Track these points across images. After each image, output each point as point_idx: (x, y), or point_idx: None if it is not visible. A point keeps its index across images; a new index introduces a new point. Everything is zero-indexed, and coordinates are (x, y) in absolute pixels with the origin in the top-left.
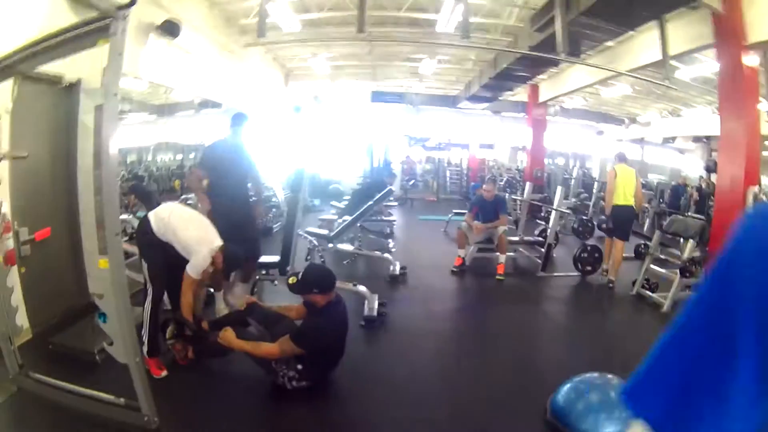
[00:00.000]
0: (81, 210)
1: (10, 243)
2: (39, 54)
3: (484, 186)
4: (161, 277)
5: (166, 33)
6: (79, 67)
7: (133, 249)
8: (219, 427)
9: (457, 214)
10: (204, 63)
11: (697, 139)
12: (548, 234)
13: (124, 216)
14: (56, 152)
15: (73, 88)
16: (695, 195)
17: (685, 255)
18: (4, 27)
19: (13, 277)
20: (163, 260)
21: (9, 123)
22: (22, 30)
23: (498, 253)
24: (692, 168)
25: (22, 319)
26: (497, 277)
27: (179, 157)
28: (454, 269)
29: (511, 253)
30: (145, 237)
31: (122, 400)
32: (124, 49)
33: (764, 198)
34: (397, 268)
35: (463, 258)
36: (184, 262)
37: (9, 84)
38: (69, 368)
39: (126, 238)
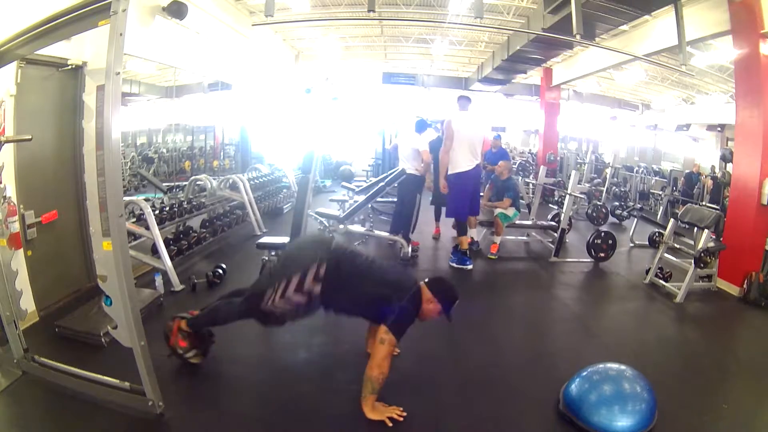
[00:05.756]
0: (87, 192)
1: (16, 226)
2: (39, 37)
3: (499, 163)
4: None
5: (172, 14)
6: (85, 49)
7: (140, 231)
8: (224, 412)
9: None
10: (213, 44)
11: (711, 128)
12: (561, 219)
13: (132, 197)
14: (63, 135)
15: (78, 70)
16: (709, 184)
17: (700, 245)
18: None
19: (19, 261)
20: None
21: (13, 106)
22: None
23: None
24: (706, 156)
25: (28, 303)
26: (489, 255)
27: (189, 138)
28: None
29: (524, 237)
30: None
31: (127, 384)
32: (125, 29)
33: None
34: (409, 249)
35: (472, 238)
36: None
37: (12, 68)
38: (75, 351)
39: (134, 220)
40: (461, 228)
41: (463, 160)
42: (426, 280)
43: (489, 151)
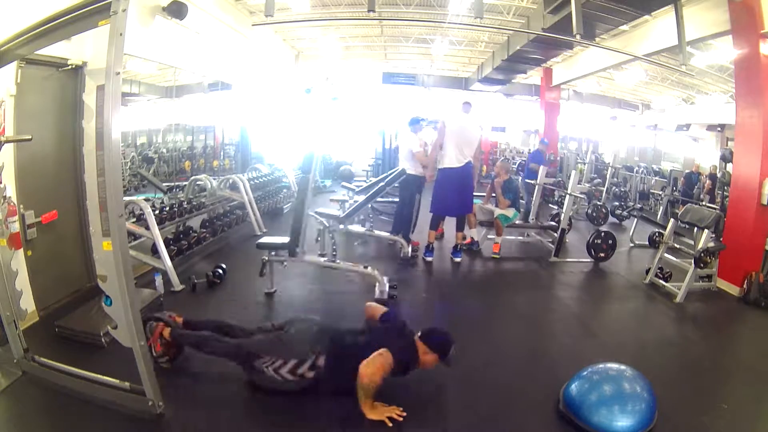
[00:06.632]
0: (87, 192)
1: (16, 226)
2: (39, 37)
3: (497, 163)
4: None
5: (172, 14)
6: (85, 49)
7: (140, 231)
8: (224, 412)
9: None
10: (213, 44)
11: (711, 128)
12: (561, 219)
13: (132, 197)
14: (63, 135)
15: (78, 70)
16: (708, 184)
17: (700, 245)
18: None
19: (19, 261)
20: None
21: (13, 107)
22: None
23: (495, 234)
24: (706, 156)
25: (28, 303)
26: (492, 255)
27: (189, 138)
28: (463, 247)
29: (523, 237)
30: None
31: (127, 384)
32: (125, 29)
33: None
34: (409, 250)
35: (472, 238)
36: None
37: (12, 68)
38: (75, 351)
39: (133, 220)
40: (434, 222)
41: (450, 157)
42: (419, 334)
43: (540, 155)
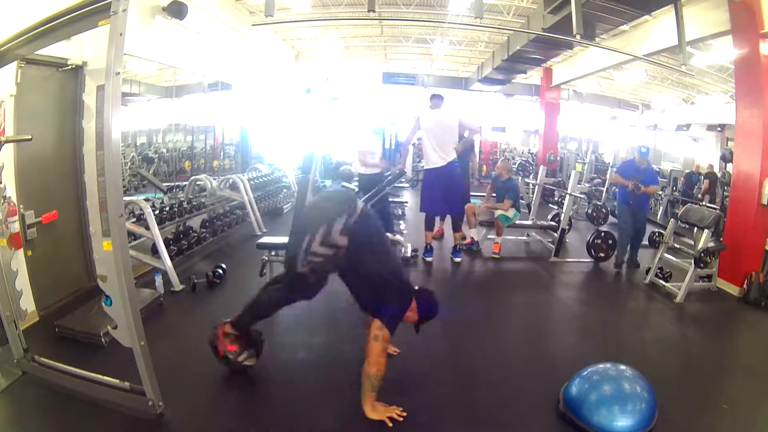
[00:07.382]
0: (87, 192)
1: (16, 226)
2: (39, 37)
3: (498, 163)
4: None
5: (172, 14)
6: (85, 49)
7: (140, 231)
8: (224, 412)
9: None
10: (213, 44)
11: (711, 128)
12: (561, 219)
13: (132, 197)
14: (63, 135)
15: (78, 70)
16: (706, 184)
17: (700, 245)
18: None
19: (19, 261)
20: None
21: (13, 107)
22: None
23: (495, 234)
24: (706, 156)
25: (28, 303)
26: (492, 255)
27: (189, 138)
28: (463, 247)
29: (524, 237)
30: None
31: (127, 384)
32: (125, 29)
33: None
34: (408, 250)
35: (472, 238)
36: None
37: (12, 68)
38: (75, 351)
39: (133, 220)
40: (427, 222)
41: (430, 157)
42: (416, 288)
43: (632, 166)
